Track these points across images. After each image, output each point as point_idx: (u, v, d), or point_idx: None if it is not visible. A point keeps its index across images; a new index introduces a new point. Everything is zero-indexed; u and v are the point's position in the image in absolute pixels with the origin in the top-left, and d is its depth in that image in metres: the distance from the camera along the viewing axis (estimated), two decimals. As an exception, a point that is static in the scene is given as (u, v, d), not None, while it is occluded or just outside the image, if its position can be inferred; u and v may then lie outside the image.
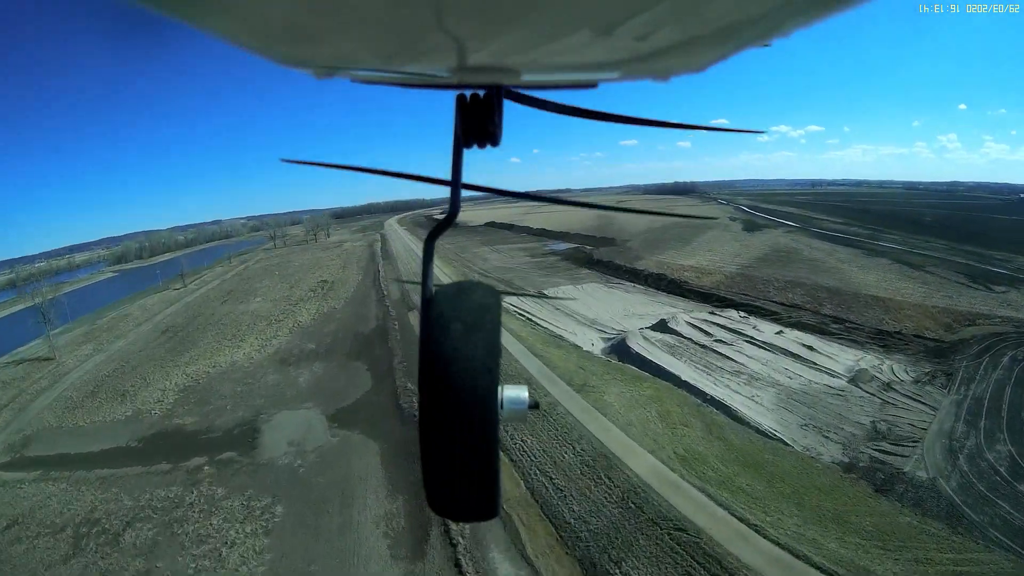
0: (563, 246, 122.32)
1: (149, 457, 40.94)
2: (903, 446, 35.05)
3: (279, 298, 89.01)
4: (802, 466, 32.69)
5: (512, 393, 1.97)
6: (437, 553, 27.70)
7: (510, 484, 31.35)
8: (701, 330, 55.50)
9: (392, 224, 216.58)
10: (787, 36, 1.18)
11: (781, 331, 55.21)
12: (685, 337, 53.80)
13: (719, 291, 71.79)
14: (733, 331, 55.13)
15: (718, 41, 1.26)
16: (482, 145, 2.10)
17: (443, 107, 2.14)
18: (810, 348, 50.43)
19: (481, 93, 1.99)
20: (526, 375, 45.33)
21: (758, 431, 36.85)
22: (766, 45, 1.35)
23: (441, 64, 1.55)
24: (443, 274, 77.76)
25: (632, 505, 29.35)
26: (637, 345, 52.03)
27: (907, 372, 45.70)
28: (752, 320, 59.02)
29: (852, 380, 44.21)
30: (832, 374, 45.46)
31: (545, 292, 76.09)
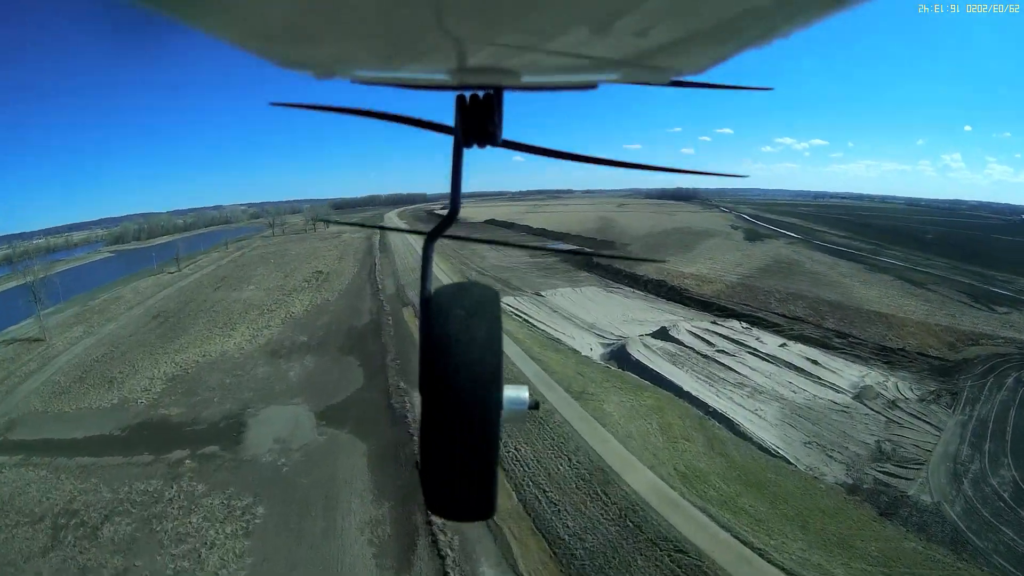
0: (563, 247, 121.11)
1: (132, 447, 40.12)
2: (908, 468, 34.32)
3: (273, 287, 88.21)
4: (806, 487, 31.83)
5: (512, 393, 2.00)
6: (424, 564, 26.71)
7: (501, 495, 30.01)
8: (703, 339, 54.58)
9: (392, 217, 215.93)
10: (786, 36, 1.15)
11: (785, 344, 54.42)
12: (687, 346, 52.87)
13: (720, 300, 70.99)
14: (736, 342, 54.27)
15: (717, 40, 1.24)
16: (482, 145, 2.10)
17: (443, 108, 2.14)
18: (814, 362, 49.64)
19: (481, 94, 1.98)
20: (523, 379, 43.79)
21: (760, 447, 35.95)
22: (765, 45, 1.26)
23: (441, 65, 1.55)
24: (439, 270, 76.15)
25: (630, 524, 28.21)
26: (637, 352, 51.09)
27: (912, 390, 45.03)
28: (755, 331, 58.12)
29: (857, 397, 43.44)
30: (836, 389, 44.69)
31: (542, 293, 75.35)
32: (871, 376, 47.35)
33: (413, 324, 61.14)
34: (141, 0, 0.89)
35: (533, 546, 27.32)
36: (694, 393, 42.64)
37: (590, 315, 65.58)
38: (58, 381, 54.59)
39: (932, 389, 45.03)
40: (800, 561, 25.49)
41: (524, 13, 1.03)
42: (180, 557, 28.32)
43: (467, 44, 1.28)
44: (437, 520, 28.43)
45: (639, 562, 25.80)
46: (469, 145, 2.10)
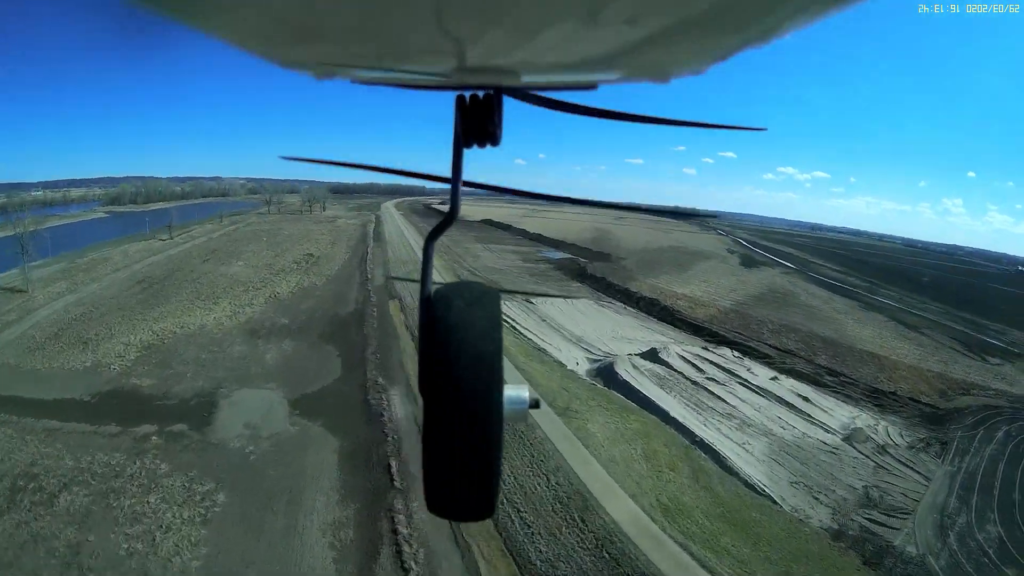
0: (557, 255, 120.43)
1: (99, 416, 38.78)
2: (894, 517, 33.83)
3: (262, 265, 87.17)
4: (790, 530, 30.97)
5: (512, 392, 1.97)
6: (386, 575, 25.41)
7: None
8: (693, 365, 53.76)
9: (389, 208, 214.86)
10: (784, 36, 1.15)
11: (776, 377, 53.74)
12: (676, 370, 52.02)
13: (712, 325, 70.32)
14: (726, 371, 53.54)
15: (712, 34, 1.22)
16: (482, 145, 2.11)
17: (443, 108, 2.19)
18: (805, 399, 48.98)
19: (481, 94, 2.00)
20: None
21: (747, 484, 35.11)
22: (764, 44, 1.26)
23: (440, 65, 1.57)
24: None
25: (607, 555, 27.01)
26: (625, 372, 50.16)
27: (902, 436, 44.60)
28: (746, 361, 57.41)
29: (847, 439, 42.86)
30: (827, 429, 44.08)
31: (532, 300, 74.52)
32: (862, 418, 46.86)
33: (398, 318, 60.55)
34: (142, 2, 0.90)
35: (503, 569, 26.09)
36: (681, 420, 41.77)
37: (579, 327, 64.72)
38: (34, 336, 53.31)
39: (922, 437, 44.66)
40: (781, 610, 24.61)
41: (515, 4, 1.03)
42: (134, 538, 27.11)
43: (466, 44, 1.27)
44: (403, 531, 27.42)
45: (613, 599, 24.75)
46: (469, 145, 2.10)
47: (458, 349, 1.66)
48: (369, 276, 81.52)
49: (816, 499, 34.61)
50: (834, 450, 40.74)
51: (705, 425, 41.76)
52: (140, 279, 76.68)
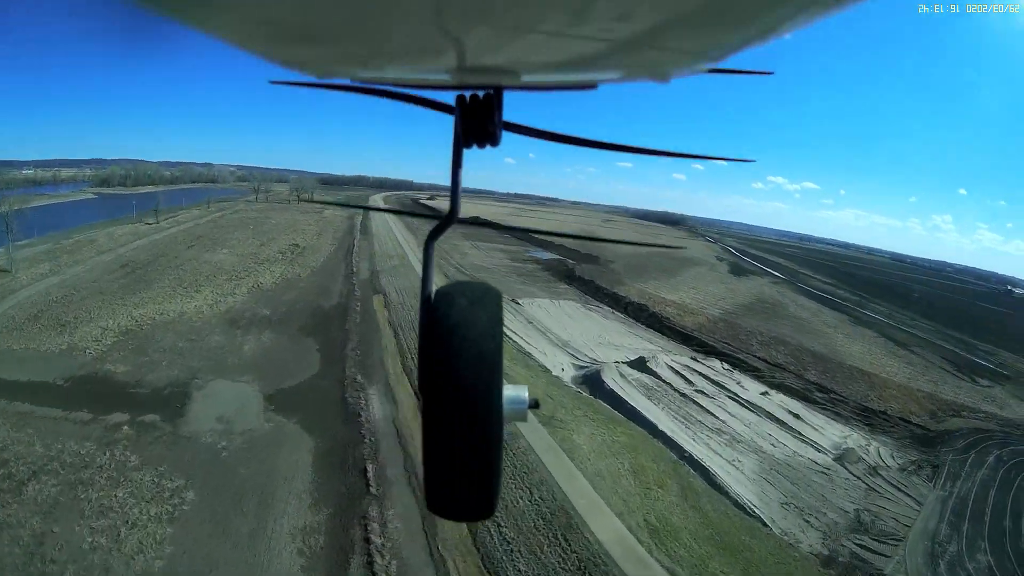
0: (545, 255, 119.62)
1: (72, 402, 37.82)
2: (885, 543, 33.25)
3: (246, 254, 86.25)
4: (780, 554, 30.11)
5: (512, 392, 1.98)
6: (356, 588, 24.32)
7: (450, 524, 27.60)
8: (682, 376, 53.03)
9: (377, 200, 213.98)
10: (782, 36, 1.15)
11: (767, 392, 53.18)
12: (664, 381, 51.28)
13: (701, 334, 69.91)
14: (716, 383, 52.87)
15: (707, 30, 1.20)
16: (481, 145, 2.12)
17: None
18: (796, 416, 48.42)
19: (481, 94, 1.99)
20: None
21: (736, 504, 34.17)
22: (763, 43, 1.24)
23: (440, 65, 1.57)
24: (416, 257, 74.73)
25: (590, 579, 26.02)
26: (612, 381, 49.24)
27: (893, 457, 44.22)
28: (736, 375, 56.81)
29: (839, 459, 42.32)
30: (818, 448, 43.52)
31: (519, 301, 73.73)
32: (853, 438, 46.35)
33: (382, 313, 59.73)
34: (142, 2, 0.91)
35: (479, 587, 24.96)
36: (669, 434, 40.91)
37: (566, 331, 64.08)
38: (13, 316, 52.36)
39: (913, 459, 44.31)
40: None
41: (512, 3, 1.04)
42: (99, 532, 26.25)
43: (465, 44, 1.27)
44: (376, 540, 26.37)
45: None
46: (469, 145, 2.09)
47: (459, 348, 1.66)
48: (355, 269, 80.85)
49: (807, 522, 33.86)
50: (825, 470, 40.13)
51: (694, 440, 40.94)
52: (124, 263, 75.63)
